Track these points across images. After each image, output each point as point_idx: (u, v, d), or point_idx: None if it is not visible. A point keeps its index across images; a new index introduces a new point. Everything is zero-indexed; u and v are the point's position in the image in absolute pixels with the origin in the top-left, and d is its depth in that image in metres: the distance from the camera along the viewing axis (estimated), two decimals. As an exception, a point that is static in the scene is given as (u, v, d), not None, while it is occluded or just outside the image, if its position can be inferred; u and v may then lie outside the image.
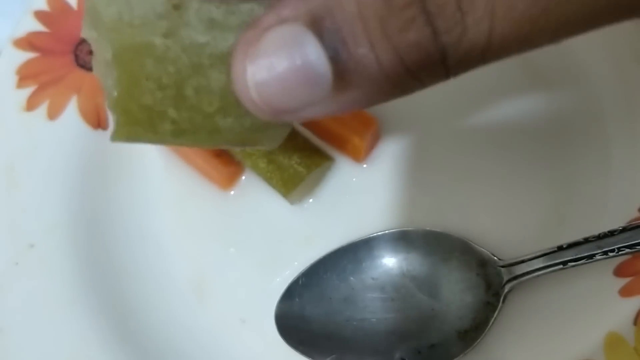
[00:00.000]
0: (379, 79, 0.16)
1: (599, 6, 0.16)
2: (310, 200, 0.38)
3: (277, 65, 0.15)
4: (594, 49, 0.37)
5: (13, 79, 0.38)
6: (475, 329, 0.32)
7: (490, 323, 0.32)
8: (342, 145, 0.37)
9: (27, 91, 0.38)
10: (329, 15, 0.15)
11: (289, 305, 0.34)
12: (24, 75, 0.39)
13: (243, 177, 0.38)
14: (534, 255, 0.31)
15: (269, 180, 0.36)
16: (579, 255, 0.30)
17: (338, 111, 0.17)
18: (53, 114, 0.38)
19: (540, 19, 0.16)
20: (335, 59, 0.15)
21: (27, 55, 0.39)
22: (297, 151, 0.36)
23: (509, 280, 0.32)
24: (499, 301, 0.32)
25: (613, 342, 0.30)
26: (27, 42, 0.39)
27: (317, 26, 0.15)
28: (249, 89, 0.16)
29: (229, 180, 0.38)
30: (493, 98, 0.37)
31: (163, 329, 0.36)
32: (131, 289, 0.36)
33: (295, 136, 0.37)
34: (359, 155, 0.37)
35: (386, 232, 0.34)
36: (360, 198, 0.37)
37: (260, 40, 0.16)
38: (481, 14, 0.15)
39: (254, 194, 0.38)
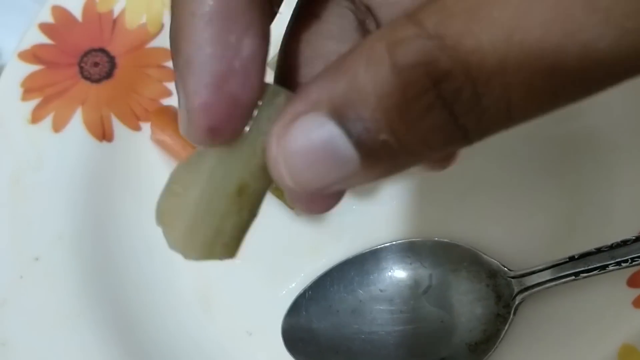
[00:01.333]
0: (404, 157, 0.17)
1: (621, 71, 0.16)
2: (317, 211, 0.37)
3: (304, 148, 0.16)
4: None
5: (18, 91, 0.38)
6: (485, 341, 0.31)
7: (502, 335, 0.31)
8: (348, 155, 0.36)
9: (32, 104, 0.38)
10: (350, 106, 0.16)
11: (295, 318, 0.34)
12: (29, 88, 0.39)
13: (249, 188, 0.38)
14: (545, 266, 0.31)
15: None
16: (592, 266, 0.30)
17: (372, 181, 0.18)
18: (58, 127, 0.38)
19: (560, 91, 0.16)
20: (360, 143, 0.16)
21: (32, 68, 0.39)
22: (303, 161, 0.36)
23: (520, 292, 0.31)
24: (509, 313, 0.31)
25: (627, 354, 0.29)
26: (32, 55, 0.39)
27: (339, 115, 0.16)
28: (285, 177, 0.17)
29: (234, 191, 0.38)
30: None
31: (169, 342, 0.35)
32: (137, 302, 0.36)
33: (301, 146, 0.37)
34: (365, 165, 0.36)
35: (394, 243, 0.34)
36: (367, 208, 0.36)
37: (289, 131, 0.17)
38: (498, 94, 0.15)
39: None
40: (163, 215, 0.20)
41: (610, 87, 0.16)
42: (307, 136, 0.16)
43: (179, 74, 0.18)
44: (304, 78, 0.21)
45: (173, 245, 0.20)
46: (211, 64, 0.17)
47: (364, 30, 0.21)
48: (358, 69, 0.16)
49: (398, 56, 0.15)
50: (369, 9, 0.21)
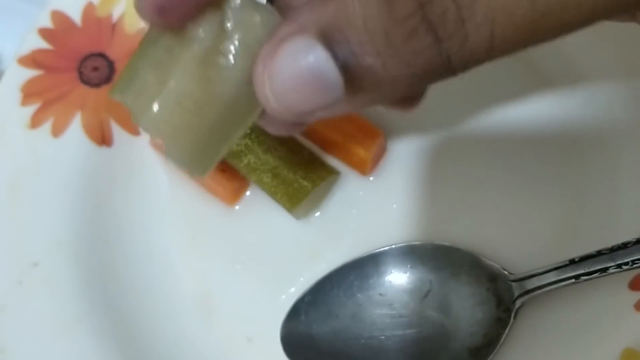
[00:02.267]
0: (388, 83, 0.17)
1: (597, 7, 0.16)
2: (316, 214, 0.37)
3: (290, 71, 0.17)
4: (604, 58, 0.36)
5: (18, 96, 0.38)
6: (486, 345, 0.31)
7: (502, 339, 0.31)
8: (347, 158, 0.36)
9: (32, 108, 0.38)
10: (338, 29, 0.17)
11: (295, 324, 0.33)
12: (29, 93, 0.39)
13: (248, 192, 0.38)
14: (545, 269, 0.30)
15: (273, 195, 0.35)
16: (592, 269, 0.29)
17: (352, 110, 0.19)
18: (57, 131, 0.38)
19: (540, 22, 0.16)
20: (345, 67, 0.17)
21: (32, 73, 0.39)
22: (301, 165, 0.36)
23: (520, 295, 0.31)
24: (510, 317, 0.31)
25: (630, 358, 0.29)
26: (31, 60, 0.39)
27: (327, 38, 0.17)
28: (269, 99, 0.18)
29: (233, 195, 0.37)
30: (501, 109, 0.36)
31: (169, 348, 0.35)
32: (137, 307, 0.36)
33: (300, 150, 0.37)
34: (365, 168, 0.36)
35: (393, 246, 0.34)
36: (367, 212, 0.36)
37: (276, 52, 0.17)
38: (481, 20, 0.16)
39: (258, 209, 0.38)
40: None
41: (591, 22, 0.17)
42: (294, 58, 0.17)
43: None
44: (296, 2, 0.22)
45: (177, 156, 0.22)
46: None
47: None
48: None
49: None
50: None
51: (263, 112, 0.21)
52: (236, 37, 0.20)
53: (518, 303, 0.31)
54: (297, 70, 0.17)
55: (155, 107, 0.21)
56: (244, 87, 0.21)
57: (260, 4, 0.21)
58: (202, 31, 0.21)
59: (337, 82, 0.17)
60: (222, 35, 0.21)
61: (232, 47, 0.20)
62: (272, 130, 0.25)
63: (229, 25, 0.20)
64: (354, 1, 0.16)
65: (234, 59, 0.20)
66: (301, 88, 0.17)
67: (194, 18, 0.21)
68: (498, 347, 0.31)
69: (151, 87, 0.22)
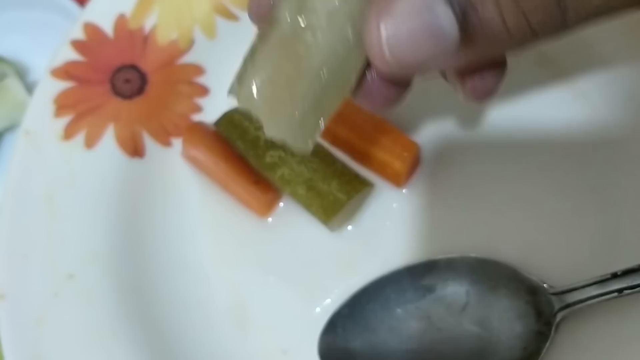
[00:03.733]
0: (502, 38, 0.18)
1: None
2: (350, 227, 0.37)
3: (409, 23, 0.18)
4: (638, 67, 0.36)
5: (51, 108, 0.39)
6: (526, 359, 0.31)
7: (542, 353, 0.30)
8: (382, 170, 0.36)
9: (65, 120, 0.38)
10: None
11: (332, 337, 0.33)
12: (62, 105, 0.39)
13: (281, 204, 0.38)
14: (586, 282, 0.30)
15: (308, 207, 0.35)
16: (635, 283, 0.29)
17: (458, 64, 0.20)
18: (91, 143, 0.38)
19: None
20: (464, 19, 0.18)
21: (65, 85, 0.39)
22: (336, 177, 0.36)
23: (561, 309, 0.30)
24: (550, 330, 0.31)
25: (673, 373, 0.29)
26: (64, 72, 0.39)
27: None
28: (382, 45, 0.18)
29: (266, 207, 0.37)
30: (537, 120, 0.36)
31: (204, 359, 0.35)
32: (171, 319, 0.36)
33: (333, 162, 0.37)
34: (399, 180, 0.36)
35: (430, 259, 0.34)
36: (401, 224, 0.36)
37: (393, 6, 0.18)
38: None
39: (291, 221, 0.38)
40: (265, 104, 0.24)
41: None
42: (415, 10, 0.18)
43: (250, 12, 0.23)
44: None
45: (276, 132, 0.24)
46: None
47: None
48: None
49: None
50: None
51: (359, 86, 0.23)
52: (316, 8, 0.22)
53: (559, 317, 0.30)
54: (416, 19, 0.18)
55: (252, 87, 0.23)
56: (332, 58, 0.22)
57: None
58: (286, 13, 0.23)
59: (454, 33, 0.18)
60: (303, 10, 0.22)
61: (314, 19, 0.22)
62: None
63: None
64: None
65: (319, 31, 0.22)
66: (416, 36, 0.18)
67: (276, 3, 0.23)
68: (539, 361, 0.30)
69: (249, 71, 0.24)
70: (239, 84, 0.24)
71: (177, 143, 0.39)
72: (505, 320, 0.32)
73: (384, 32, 0.18)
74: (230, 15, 0.41)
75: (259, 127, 0.37)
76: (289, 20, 0.23)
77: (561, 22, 0.18)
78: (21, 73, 0.49)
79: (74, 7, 0.47)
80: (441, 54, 0.18)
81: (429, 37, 0.18)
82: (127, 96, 0.39)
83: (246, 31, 0.40)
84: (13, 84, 0.46)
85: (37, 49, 0.50)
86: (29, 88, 0.47)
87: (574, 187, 0.34)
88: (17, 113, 0.46)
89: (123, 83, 0.39)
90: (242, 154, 0.37)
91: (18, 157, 0.38)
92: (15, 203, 0.37)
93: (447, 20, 0.18)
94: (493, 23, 0.18)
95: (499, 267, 0.32)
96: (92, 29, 0.40)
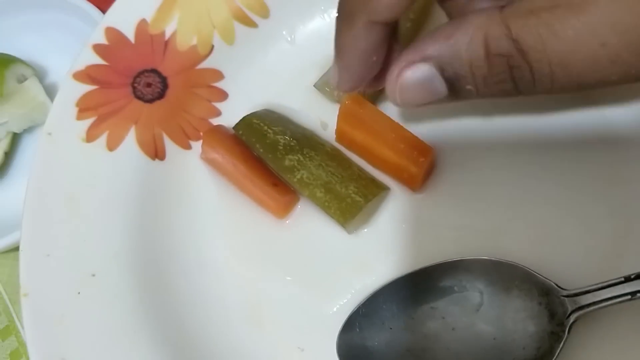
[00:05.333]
0: (474, 97, 0.28)
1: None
2: (366, 229, 0.38)
3: (416, 84, 0.28)
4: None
5: (73, 110, 0.39)
6: (540, 359, 0.32)
7: (556, 353, 0.31)
8: (398, 174, 0.37)
9: (87, 122, 0.39)
10: (450, 65, 0.27)
11: (350, 335, 0.34)
12: (84, 107, 0.40)
13: (298, 206, 0.39)
14: (600, 285, 0.31)
15: (326, 209, 0.36)
16: (647, 286, 0.30)
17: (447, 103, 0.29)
18: (112, 145, 0.39)
19: (587, 78, 0.26)
20: (451, 85, 0.28)
21: (87, 88, 0.40)
22: (353, 181, 0.37)
23: (575, 310, 0.31)
24: (564, 331, 0.31)
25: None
26: (86, 75, 0.40)
27: (442, 67, 0.27)
28: (395, 92, 0.29)
29: (285, 209, 0.38)
30: (549, 125, 0.37)
31: (222, 357, 0.36)
32: (190, 317, 0.37)
33: (350, 165, 0.38)
34: (415, 184, 0.37)
35: (445, 261, 0.34)
36: (417, 227, 0.37)
37: (405, 69, 0.28)
38: (547, 73, 0.26)
39: (308, 222, 0.38)
40: None
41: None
42: (417, 75, 0.28)
43: (340, 53, 0.30)
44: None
45: None
46: (359, 63, 0.30)
47: None
48: (461, 44, 0.26)
49: (490, 48, 0.26)
50: None
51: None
52: None
53: (572, 318, 0.31)
54: (418, 81, 0.28)
55: None
56: None
57: None
58: None
59: (443, 91, 0.28)
60: None
61: None
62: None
63: None
64: (465, 53, 0.26)
65: None
66: (418, 93, 0.29)
67: None
68: (552, 360, 0.31)
69: None
70: None
71: (196, 146, 0.40)
72: (518, 320, 0.33)
73: (398, 87, 0.29)
74: (248, 22, 0.42)
75: (278, 131, 0.38)
76: None
77: (517, 95, 0.27)
78: (40, 75, 0.49)
79: (91, 9, 0.48)
80: (435, 101, 0.29)
81: (425, 92, 0.28)
82: (148, 99, 0.40)
83: (264, 37, 0.42)
84: (33, 85, 0.47)
85: (54, 50, 0.51)
86: (47, 89, 0.48)
87: (586, 192, 0.35)
88: (37, 114, 0.47)
89: (144, 87, 0.40)
90: (261, 156, 0.38)
91: (40, 158, 0.38)
92: (38, 203, 0.38)
93: (440, 85, 0.28)
94: (469, 90, 0.28)
95: (513, 269, 0.33)
96: (113, 33, 0.41)
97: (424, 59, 0.27)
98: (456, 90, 0.28)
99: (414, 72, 0.28)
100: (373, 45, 0.29)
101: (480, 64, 0.26)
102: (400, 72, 0.28)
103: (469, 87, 0.27)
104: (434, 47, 0.27)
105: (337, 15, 0.30)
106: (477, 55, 0.26)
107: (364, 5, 0.28)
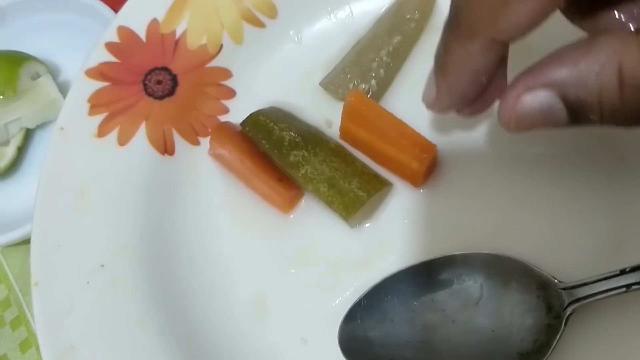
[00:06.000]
0: (597, 124, 0.25)
1: None
2: (368, 224, 0.39)
3: (535, 111, 0.25)
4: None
5: (85, 106, 0.41)
6: (537, 351, 0.32)
7: (553, 345, 0.32)
8: (400, 170, 0.38)
9: (99, 118, 0.40)
10: (575, 93, 0.24)
11: (351, 326, 0.35)
12: (96, 104, 0.41)
13: (302, 201, 0.40)
14: (596, 278, 0.32)
15: (330, 204, 0.37)
16: (642, 279, 0.31)
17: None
18: (123, 141, 0.40)
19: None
20: (574, 114, 0.25)
21: (98, 85, 0.41)
22: (356, 176, 0.37)
23: (571, 303, 0.32)
24: (561, 323, 0.32)
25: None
26: (98, 72, 0.41)
27: (564, 93, 0.24)
28: (512, 119, 0.26)
29: (289, 203, 0.39)
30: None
31: (227, 348, 0.37)
32: (196, 308, 0.38)
33: (353, 161, 0.39)
34: (417, 181, 0.38)
35: (445, 255, 0.35)
36: (418, 222, 0.38)
37: (525, 94, 0.25)
38: None
39: (312, 217, 0.39)
40: None
41: None
42: (538, 101, 0.25)
43: (446, 71, 0.28)
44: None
45: None
46: (468, 84, 0.28)
47: None
48: (591, 71, 0.23)
49: (625, 78, 0.23)
50: None
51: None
52: None
53: (569, 310, 0.32)
54: (537, 109, 0.25)
55: None
56: None
57: None
58: None
59: (564, 119, 0.25)
60: None
61: None
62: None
63: None
64: (595, 82, 0.23)
65: None
66: (535, 119, 0.25)
67: None
68: (549, 352, 0.32)
69: None
70: None
71: (205, 142, 0.41)
72: (517, 313, 0.33)
73: (515, 112, 0.25)
74: (256, 22, 0.43)
75: (283, 128, 0.39)
76: None
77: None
78: (53, 72, 0.51)
79: (104, 9, 0.49)
80: (552, 127, 0.26)
81: (543, 119, 0.25)
82: (158, 97, 0.41)
83: (271, 37, 0.43)
84: (46, 82, 0.48)
85: (67, 49, 0.52)
86: (60, 87, 0.49)
87: (583, 188, 0.36)
88: (50, 111, 0.48)
89: (155, 84, 0.41)
90: (267, 152, 0.39)
91: (52, 152, 0.40)
92: (49, 196, 0.39)
93: (561, 113, 0.25)
94: (592, 119, 0.25)
95: (511, 263, 0.34)
96: (125, 32, 0.42)
97: (546, 85, 0.25)
98: (577, 118, 0.25)
99: (533, 98, 0.25)
100: (489, 65, 0.27)
101: (611, 95, 0.23)
102: (519, 97, 0.25)
103: (593, 117, 0.24)
104: (559, 72, 0.24)
105: (447, 28, 0.27)
106: (609, 85, 0.23)
107: (490, 23, 0.25)
